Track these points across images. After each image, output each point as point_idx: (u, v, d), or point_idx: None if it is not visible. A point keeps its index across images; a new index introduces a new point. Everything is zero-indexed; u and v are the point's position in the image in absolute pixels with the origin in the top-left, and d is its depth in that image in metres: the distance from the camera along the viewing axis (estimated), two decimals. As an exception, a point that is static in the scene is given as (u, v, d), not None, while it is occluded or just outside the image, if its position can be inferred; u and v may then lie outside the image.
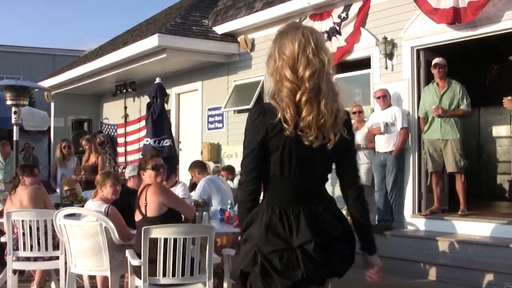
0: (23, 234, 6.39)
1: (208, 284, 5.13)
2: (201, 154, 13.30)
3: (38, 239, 6.39)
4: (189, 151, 13.49)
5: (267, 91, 11.68)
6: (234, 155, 12.75)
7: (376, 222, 9.29)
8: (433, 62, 9.00)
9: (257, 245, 2.90)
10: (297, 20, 11.17)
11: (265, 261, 2.87)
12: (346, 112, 3.08)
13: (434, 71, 8.98)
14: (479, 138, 13.45)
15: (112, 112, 17.82)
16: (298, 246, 2.86)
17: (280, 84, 2.90)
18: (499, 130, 13.29)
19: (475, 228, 8.46)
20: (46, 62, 29.73)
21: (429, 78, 9.31)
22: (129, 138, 16.58)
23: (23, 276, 7.62)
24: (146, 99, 14.56)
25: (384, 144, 9.18)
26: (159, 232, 5.03)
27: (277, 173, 2.94)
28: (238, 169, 11.06)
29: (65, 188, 8.80)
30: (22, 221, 6.37)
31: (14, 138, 10.20)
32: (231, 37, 12.89)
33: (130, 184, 7.33)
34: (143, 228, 5.00)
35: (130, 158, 16.35)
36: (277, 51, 2.93)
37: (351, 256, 3.06)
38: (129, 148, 16.57)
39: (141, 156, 14.31)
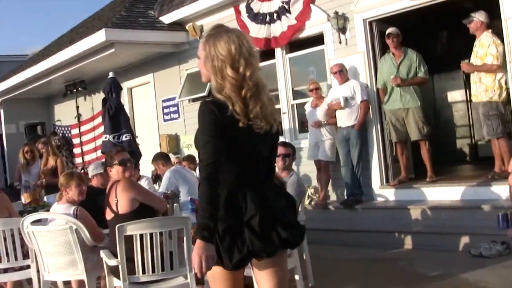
0: (-10, 246, 6.15)
1: (190, 276, 4.99)
2: (160, 146, 13.13)
3: (6, 249, 6.13)
4: (147, 145, 13.25)
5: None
6: (193, 144, 12.55)
7: (346, 197, 9.29)
8: (386, 32, 8.98)
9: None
10: (245, 3, 11.05)
11: (218, 239, 3.09)
12: None
13: (388, 41, 8.96)
14: (435, 105, 13.52)
15: (64, 113, 17.42)
16: (245, 222, 3.13)
17: (223, 82, 3.16)
18: (454, 96, 13.39)
19: (445, 193, 8.51)
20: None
21: (384, 49, 9.29)
22: (84, 138, 16.25)
23: (-7, 290, 7.39)
24: (97, 97, 14.36)
25: (346, 119, 9.12)
26: (134, 229, 4.87)
27: (231, 160, 3.15)
28: (198, 159, 10.91)
29: (27, 200, 8.58)
30: (-13, 232, 6.12)
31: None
32: (179, 25, 12.68)
33: (95, 183, 7.14)
34: (117, 226, 4.83)
35: (87, 158, 16.03)
36: (214, 52, 3.18)
37: (300, 224, 3.39)
38: (85, 148, 16.24)
39: (98, 155, 14.10)
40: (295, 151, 7.09)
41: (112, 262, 4.95)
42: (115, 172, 5.40)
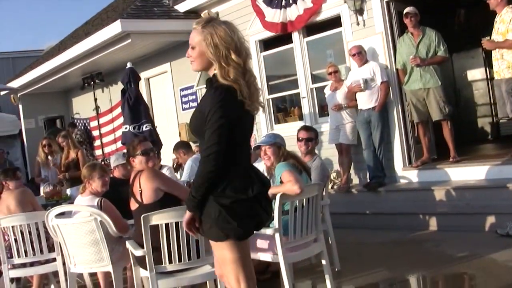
0: (15, 240, 6.18)
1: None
2: (179, 135, 13.12)
3: (32, 243, 6.17)
4: (166, 134, 13.26)
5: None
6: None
7: (368, 180, 9.24)
8: (404, 11, 8.87)
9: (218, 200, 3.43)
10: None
11: (227, 212, 3.39)
12: None
13: (407, 21, 8.84)
14: (455, 84, 13.40)
15: (82, 106, 17.52)
16: (253, 196, 3.45)
17: (228, 67, 3.41)
18: (473, 74, 13.24)
19: (469, 173, 8.41)
20: (6, 65, 29.02)
21: (403, 29, 9.18)
22: (104, 130, 16.34)
23: (20, 284, 7.43)
24: (115, 89, 14.38)
25: (367, 101, 9.04)
26: (159, 218, 4.83)
27: (234, 139, 3.41)
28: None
29: (46, 196, 8.62)
30: (13, 227, 6.15)
31: (-14, 146, 9.84)
32: (194, 13, 12.61)
33: (117, 174, 7.14)
34: (142, 216, 4.80)
35: (107, 150, 16.10)
36: (217, 40, 3.42)
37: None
38: (105, 140, 16.33)
39: (118, 146, 14.13)
40: (317, 135, 7.06)
41: (139, 253, 4.93)
42: (138, 162, 5.37)
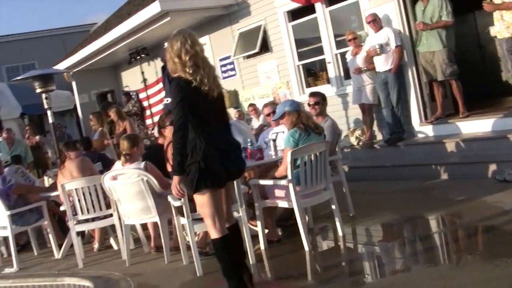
0: (78, 200, 7.30)
1: (241, 211, 5.91)
2: (221, 102, 14.09)
3: (92, 202, 7.31)
4: (208, 103, 14.22)
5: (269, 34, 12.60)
6: (251, 97, 13.64)
7: (389, 136, 10.10)
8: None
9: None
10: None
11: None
12: None
13: (417, -13, 9.55)
14: (479, 40, 13.98)
15: (131, 79, 18.62)
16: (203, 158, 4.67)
17: (175, 65, 4.84)
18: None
19: (477, 126, 9.17)
20: (58, 42, 30.21)
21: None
22: (152, 101, 17.43)
23: (84, 239, 8.60)
24: (160, 62, 15.38)
25: (383, 64, 9.84)
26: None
27: (199, 114, 4.79)
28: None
29: None
30: (76, 189, 7.28)
31: (50, 121, 10.80)
32: (226, -12, 13.53)
33: (161, 141, 8.14)
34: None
35: (156, 119, 17.10)
36: (170, 48, 4.89)
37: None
38: (154, 109, 17.40)
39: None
40: (324, 98, 7.93)
41: (177, 203, 5.98)
42: (169, 131, 6.37)
